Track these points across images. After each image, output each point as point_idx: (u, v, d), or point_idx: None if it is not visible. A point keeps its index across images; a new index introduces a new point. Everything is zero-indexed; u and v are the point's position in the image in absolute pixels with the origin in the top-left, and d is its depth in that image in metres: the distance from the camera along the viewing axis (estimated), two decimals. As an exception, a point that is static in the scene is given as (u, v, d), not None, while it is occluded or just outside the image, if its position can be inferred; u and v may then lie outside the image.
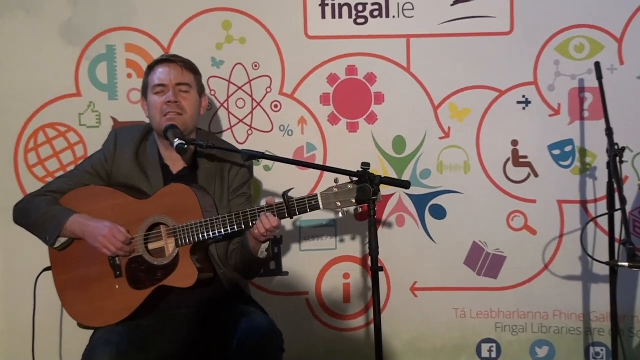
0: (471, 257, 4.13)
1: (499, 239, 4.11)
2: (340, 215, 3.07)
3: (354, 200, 3.03)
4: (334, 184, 3.07)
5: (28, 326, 3.60)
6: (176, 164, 3.40)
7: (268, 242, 3.23)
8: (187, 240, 3.17)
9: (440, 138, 4.11)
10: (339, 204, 3.05)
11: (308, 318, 4.14)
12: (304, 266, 4.13)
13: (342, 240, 4.13)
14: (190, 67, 3.40)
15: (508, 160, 4.10)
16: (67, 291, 3.29)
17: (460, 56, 4.07)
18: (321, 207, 3.08)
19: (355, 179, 3.06)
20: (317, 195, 3.08)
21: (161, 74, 3.34)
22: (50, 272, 3.35)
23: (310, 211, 3.10)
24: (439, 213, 4.13)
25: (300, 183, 3.95)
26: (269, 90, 4.08)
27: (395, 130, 4.12)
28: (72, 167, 3.89)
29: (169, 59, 3.38)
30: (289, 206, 3.09)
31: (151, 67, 3.40)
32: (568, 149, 4.09)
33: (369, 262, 3.05)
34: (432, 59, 4.08)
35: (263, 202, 3.15)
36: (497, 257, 4.12)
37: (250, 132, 4.09)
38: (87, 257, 3.25)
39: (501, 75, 4.07)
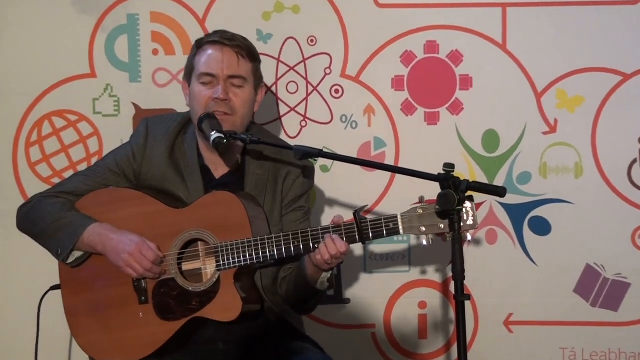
0: (583, 284, 4.11)
1: (620, 261, 4.10)
2: (424, 243, 3.05)
3: (442, 226, 3.01)
4: (419, 203, 3.04)
5: (29, 358, 3.59)
6: (219, 167, 3.39)
7: (330, 271, 3.21)
8: (231, 263, 3.16)
9: (544, 133, 4.09)
10: (423, 228, 3.02)
11: (374, 356, 4.15)
12: (369, 292, 4.14)
13: (417, 261, 4.13)
14: (249, 53, 3.35)
15: (634, 162, 4.08)
16: (78, 317, 3.30)
17: (571, 30, 4.05)
18: (401, 231, 3.06)
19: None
20: (396, 217, 3.05)
21: (211, 60, 3.30)
22: (58, 292, 3.36)
23: (387, 236, 3.08)
24: (542, 227, 4.11)
25: (366, 187, 3.99)
26: (328, 71, 4.09)
27: (486, 123, 4.11)
28: (83, 166, 3.95)
29: (222, 42, 3.32)
30: (362, 229, 3.07)
31: (200, 45, 3.36)
32: None
33: (452, 289, 3.03)
34: (534, 33, 4.06)
35: (323, 217, 3.12)
36: (618, 283, 4.10)
37: (304, 123, 4.10)
38: (106, 276, 3.25)
39: (626, 55, 4.05)
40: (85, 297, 3.30)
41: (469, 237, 2.99)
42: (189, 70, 3.37)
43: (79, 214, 3.29)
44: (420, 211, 3.03)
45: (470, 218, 2.96)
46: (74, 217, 3.27)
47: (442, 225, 3.00)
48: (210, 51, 3.32)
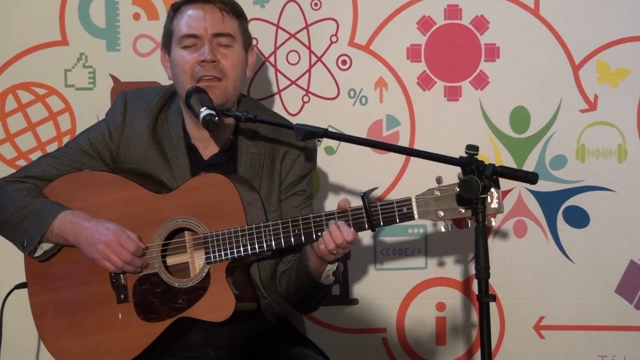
0: (627, 283, 4.12)
1: (671, 258, 4.10)
2: (443, 229, 3.03)
3: (463, 210, 3.00)
4: (436, 185, 3.02)
5: (-9, 367, 3.63)
6: (208, 146, 3.39)
7: (336, 263, 3.20)
8: (223, 255, 3.16)
9: (582, 111, 4.10)
10: (441, 213, 3.01)
11: (385, 365, 4.16)
12: (380, 292, 4.15)
13: (435, 256, 4.14)
14: (234, 9, 3.36)
15: (686, 144, 4.08)
16: (48, 318, 3.30)
17: (615, -7, 4.04)
18: (416, 216, 3.04)
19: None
20: (410, 200, 3.04)
21: (192, 20, 3.31)
22: (25, 291, 3.36)
23: (400, 222, 3.06)
24: (579, 219, 4.12)
25: (377, 172, 4.01)
26: (334, 39, 4.09)
27: (515, 99, 4.12)
28: (53, 146, 3.94)
29: None
30: (371, 214, 3.06)
31: (177, 8, 3.36)
32: None
33: (475, 288, 3.04)
34: (572, -4, 4.06)
35: (328, 204, 3.14)
36: (666, 283, 4.11)
37: (306, 98, 4.11)
38: (80, 272, 3.25)
39: (678, 22, 4.05)
40: (55, 296, 3.30)
41: (494, 224, 2.98)
42: (167, 38, 3.38)
43: (47, 200, 3.28)
44: (438, 193, 3.01)
45: (495, 200, 2.93)
46: (42, 204, 3.26)
47: (462, 210, 2.98)
48: (190, 11, 3.32)
